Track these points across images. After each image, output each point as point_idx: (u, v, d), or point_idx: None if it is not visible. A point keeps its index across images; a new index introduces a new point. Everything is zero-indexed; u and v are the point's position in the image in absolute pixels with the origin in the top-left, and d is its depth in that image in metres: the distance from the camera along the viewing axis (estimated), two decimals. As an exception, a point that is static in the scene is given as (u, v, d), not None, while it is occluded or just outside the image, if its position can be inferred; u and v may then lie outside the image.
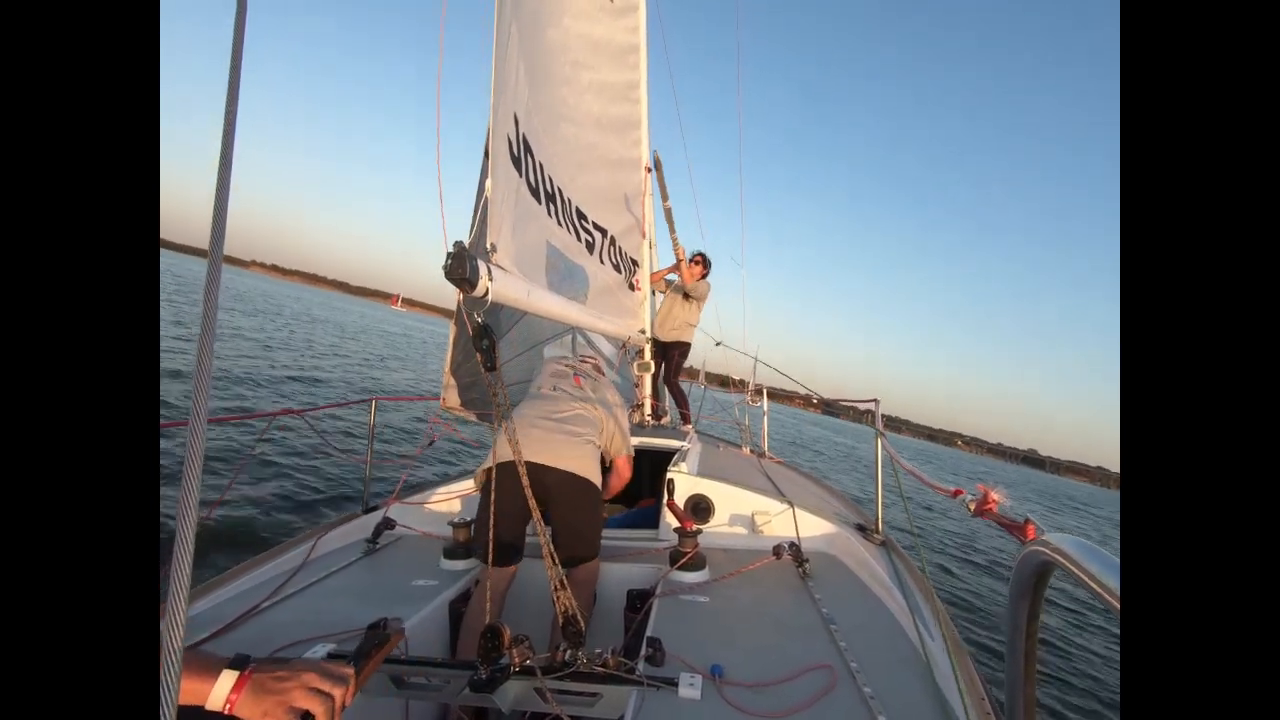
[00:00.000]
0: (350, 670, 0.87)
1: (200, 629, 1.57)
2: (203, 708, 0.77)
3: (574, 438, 2.10)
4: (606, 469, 2.34)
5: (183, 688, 0.76)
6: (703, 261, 4.98)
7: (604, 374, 2.70)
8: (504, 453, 1.93)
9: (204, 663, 0.80)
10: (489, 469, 1.96)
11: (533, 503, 1.53)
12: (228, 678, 0.79)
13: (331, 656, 1.36)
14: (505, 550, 1.91)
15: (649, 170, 3.70)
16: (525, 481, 1.55)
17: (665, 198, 2.99)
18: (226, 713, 0.78)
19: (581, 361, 2.70)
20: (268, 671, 0.81)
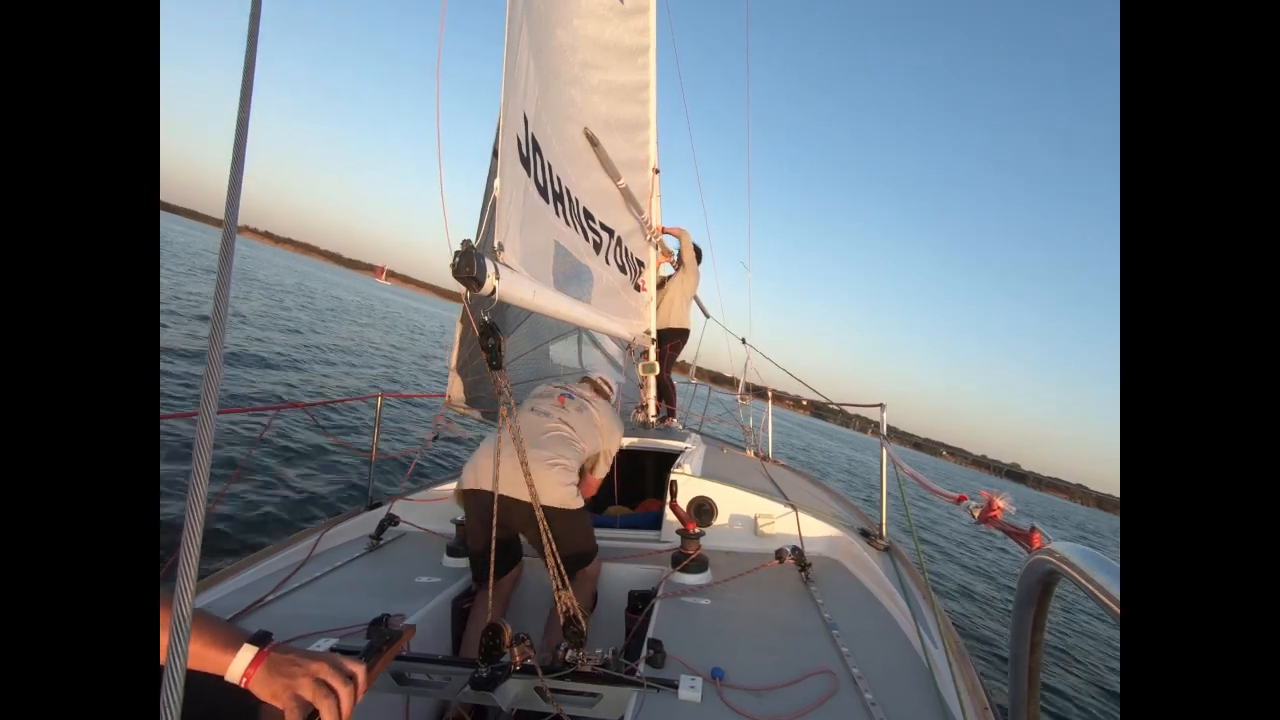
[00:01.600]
0: (360, 667, 0.87)
1: None
2: (222, 678, 0.80)
3: (540, 462, 1.94)
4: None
5: (206, 656, 0.79)
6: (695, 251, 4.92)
7: (607, 393, 2.60)
8: (469, 479, 1.93)
9: (230, 634, 0.82)
10: (464, 491, 1.95)
11: (535, 500, 1.53)
12: (247, 652, 0.81)
13: (335, 651, 1.37)
14: (504, 557, 1.88)
15: (656, 172, 3.70)
16: (495, 522, 1.55)
17: (617, 177, 2.88)
18: (243, 686, 0.80)
19: (580, 383, 2.59)
20: (283, 654, 0.83)
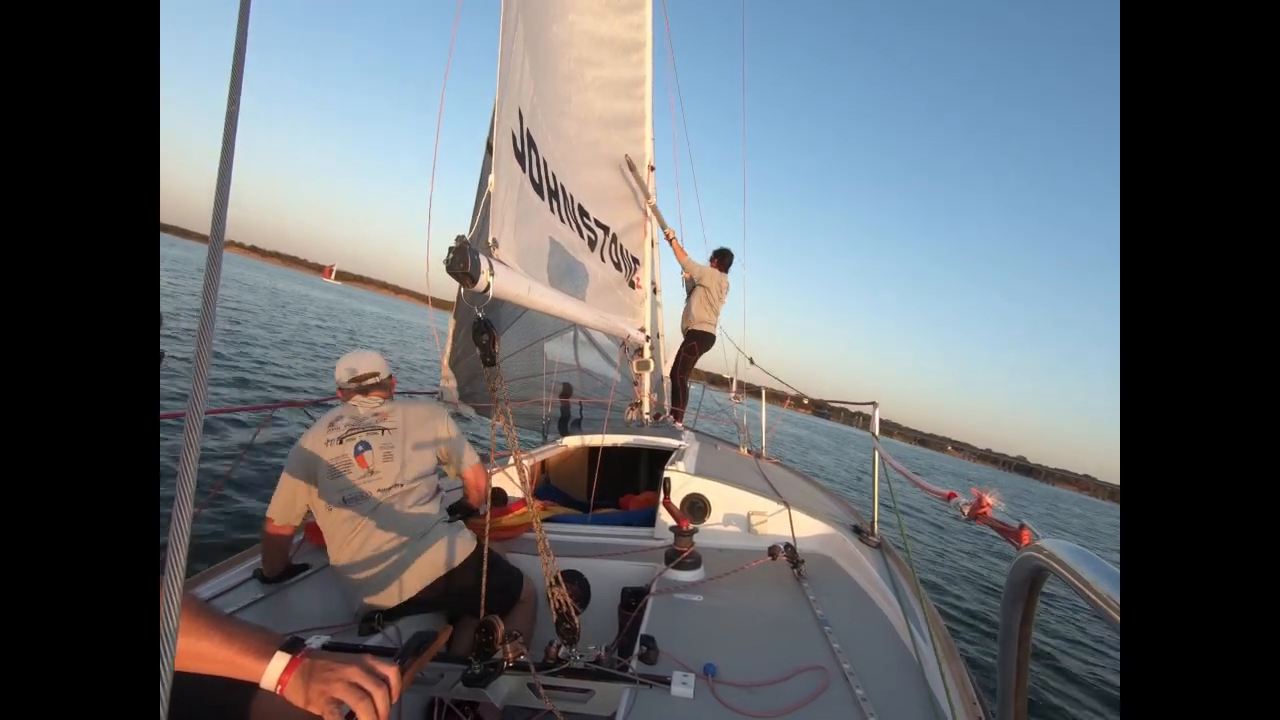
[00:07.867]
0: (392, 670, 0.88)
1: None
2: (257, 685, 0.81)
3: (412, 539, 1.73)
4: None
5: (238, 663, 0.80)
6: (717, 256, 5.00)
7: (388, 382, 2.01)
8: (384, 595, 1.68)
9: (261, 640, 0.83)
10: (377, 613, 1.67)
11: (529, 495, 1.52)
12: (280, 659, 0.82)
13: (328, 648, 1.36)
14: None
15: (651, 169, 3.70)
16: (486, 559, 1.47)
17: (648, 196, 2.95)
18: (278, 693, 0.81)
19: (358, 401, 1.91)
20: (317, 659, 0.84)
